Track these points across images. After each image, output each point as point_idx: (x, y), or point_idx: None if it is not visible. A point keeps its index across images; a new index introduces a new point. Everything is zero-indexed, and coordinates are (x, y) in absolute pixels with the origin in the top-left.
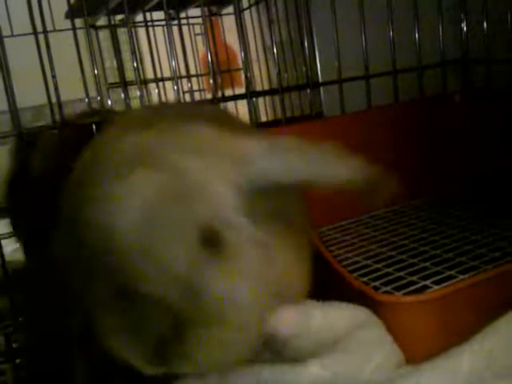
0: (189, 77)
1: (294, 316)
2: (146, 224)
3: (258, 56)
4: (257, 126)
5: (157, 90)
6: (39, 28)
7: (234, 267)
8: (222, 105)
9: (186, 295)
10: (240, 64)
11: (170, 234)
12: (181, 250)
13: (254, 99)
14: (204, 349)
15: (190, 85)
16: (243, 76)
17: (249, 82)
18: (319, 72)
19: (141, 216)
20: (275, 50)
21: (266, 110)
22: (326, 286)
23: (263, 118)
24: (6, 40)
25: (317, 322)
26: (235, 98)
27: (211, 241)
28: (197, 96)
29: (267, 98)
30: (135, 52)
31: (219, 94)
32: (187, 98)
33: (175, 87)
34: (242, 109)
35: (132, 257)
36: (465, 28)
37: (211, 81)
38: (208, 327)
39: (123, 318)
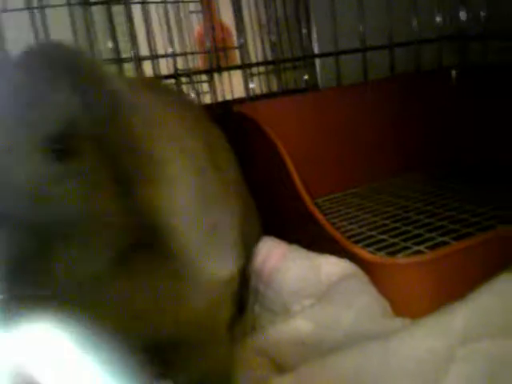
0: (185, 54)
1: (281, 249)
2: None
3: (253, 35)
4: (252, 98)
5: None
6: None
7: (86, 176)
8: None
9: (38, 209)
10: (235, 43)
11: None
12: (24, 160)
13: (249, 75)
14: (67, 257)
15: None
16: (238, 55)
17: (244, 52)
18: (315, 46)
19: None
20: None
21: (260, 87)
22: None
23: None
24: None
25: (302, 259)
26: (230, 68)
27: (61, 150)
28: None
29: (262, 75)
30: (131, 28)
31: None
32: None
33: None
34: (237, 85)
35: None
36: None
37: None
38: (67, 240)
39: None
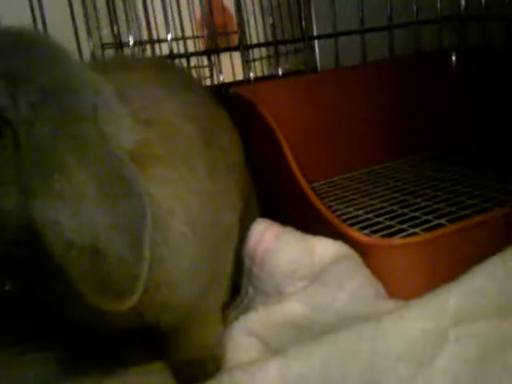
0: (183, 39)
1: (274, 231)
2: None
3: (255, 19)
4: (249, 81)
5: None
6: None
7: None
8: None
9: None
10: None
11: None
12: None
13: (250, 57)
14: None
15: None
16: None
17: (242, 30)
18: (314, 28)
19: None
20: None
21: (262, 71)
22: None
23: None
24: None
25: (296, 241)
26: (228, 49)
27: None
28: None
29: (264, 60)
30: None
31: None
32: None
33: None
34: (238, 70)
35: None
36: None
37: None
38: None
39: None
